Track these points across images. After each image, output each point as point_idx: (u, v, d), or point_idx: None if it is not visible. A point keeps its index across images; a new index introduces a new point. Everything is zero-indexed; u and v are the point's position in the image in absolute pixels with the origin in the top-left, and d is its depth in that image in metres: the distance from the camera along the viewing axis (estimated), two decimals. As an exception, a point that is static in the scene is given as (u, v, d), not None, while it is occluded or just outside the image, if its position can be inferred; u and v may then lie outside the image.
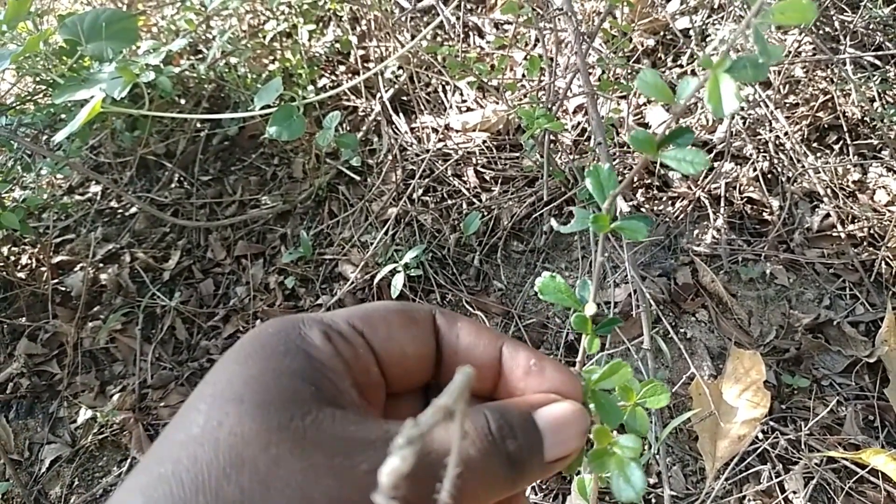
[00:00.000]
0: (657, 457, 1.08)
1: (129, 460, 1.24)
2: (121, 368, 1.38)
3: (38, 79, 1.59)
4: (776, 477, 1.08)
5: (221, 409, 0.23)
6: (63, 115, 1.59)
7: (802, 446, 1.11)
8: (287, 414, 0.23)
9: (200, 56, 1.73)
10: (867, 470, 1.05)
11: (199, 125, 1.70)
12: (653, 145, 0.29)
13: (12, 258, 1.54)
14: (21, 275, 1.50)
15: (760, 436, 1.13)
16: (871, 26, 1.69)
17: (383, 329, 0.30)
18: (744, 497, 1.07)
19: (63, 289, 1.48)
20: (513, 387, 0.31)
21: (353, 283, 1.38)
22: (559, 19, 1.37)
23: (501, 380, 0.32)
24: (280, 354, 0.26)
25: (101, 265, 1.52)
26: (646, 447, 1.14)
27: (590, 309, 0.34)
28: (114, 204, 1.65)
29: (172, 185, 1.64)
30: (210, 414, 0.23)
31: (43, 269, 1.50)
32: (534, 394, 0.31)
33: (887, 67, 1.63)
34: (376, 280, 1.35)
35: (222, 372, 0.26)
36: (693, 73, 1.72)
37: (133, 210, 1.62)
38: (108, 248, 1.54)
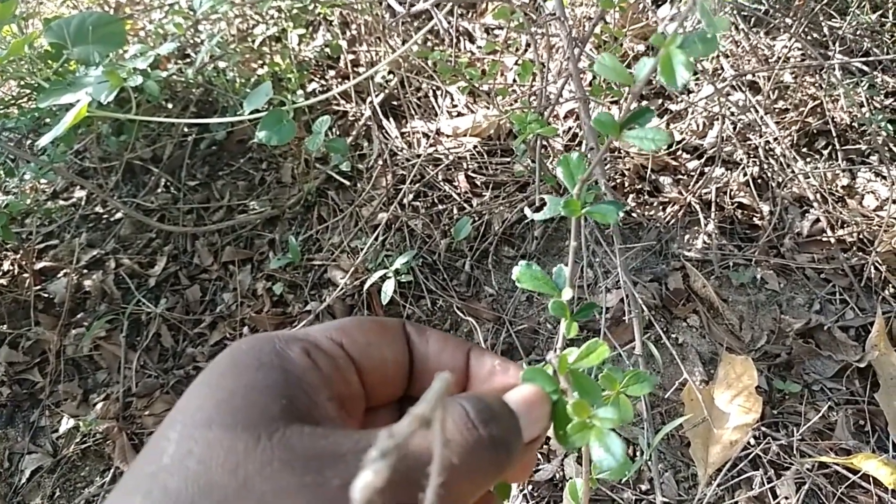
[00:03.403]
0: (649, 463, 1.07)
1: (112, 470, 1.22)
2: (104, 376, 1.35)
3: (22, 82, 1.56)
4: (768, 483, 1.07)
5: (191, 437, 0.23)
6: (48, 120, 1.57)
7: (794, 452, 1.10)
8: (255, 435, 0.23)
9: (188, 60, 1.72)
10: (859, 475, 1.04)
11: (186, 129, 1.69)
12: (616, 127, 0.30)
13: (-6, 264, 1.51)
14: (3, 281, 1.47)
15: (752, 441, 1.12)
16: (858, 32, 1.71)
17: (361, 338, 0.30)
18: (736, 503, 1.06)
19: (46, 295, 1.46)
20: (479, 390, 0.32)
21: (342, 289, 1.36)
22: (551, 24, 1.37)
23: (469, 385, 0.33)
24: (253, 370, 0.25)
25: (85, 271, 1.49)
26: (638, 453, 1.13)
27: (566, 294, 0.35)
28: (99, 209, 1.63)
29: (159, 190, 1.62)
30: (179, 442, 0.23)
31: (25, 275, 1.47)
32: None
33: (875, 73, 1.64)
34: (366, 286, 1.34)
35: (194, 396, 0.25)
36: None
37: (118, 215, 1.60)
38: (92, 253, 1.52)
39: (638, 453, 1.13)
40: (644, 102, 1.70)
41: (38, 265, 1.49)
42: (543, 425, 0.29)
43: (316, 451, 0.23)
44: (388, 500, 0.15)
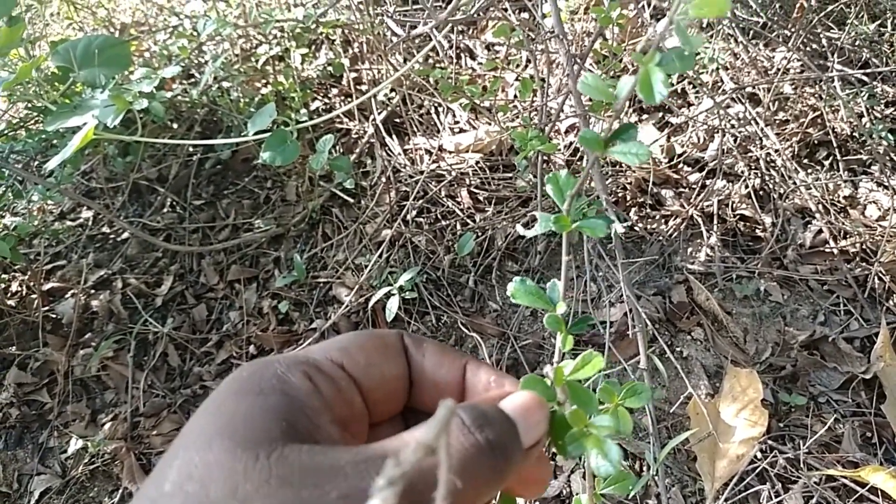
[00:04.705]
0: (656, 478, 1.07)
1: (120, 491, 1.22)
2: (112, 396, 1.36)
3: (29, 105, 1.59)
4: (776, 496, 1.07)
5: (191, 462, 0.23)
6: (55, 142, 1.58)
7: (801, 465, 1.10)
8: (253, 454, 0.23)
9: (193, 81, 1.74)
10: (867, 488, 1.04)
11: (191, 149, 1.70)
12: (600, 143, 0.32)
13: (2, 286, 1.52)
14: (11, 302, 1.48)
15: (759, 455, 1.12)
16: (857, 43, 1.72)
17: (362, 357, 0.30)
18: (744, 518, 1.06)
19: (54, 316, 1.47)
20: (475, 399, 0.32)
21: (347, 306, 1.37)
22: (550, 41, 1.39)
23: (465, 397, 0.33)
24: (254, 395, 0.26)
25: (92, 291, 1.51)
26: (644, 468, 1.13)
27: (560, 308, 0.36)
28: (106, 229, 1.64)
29: (165, 210, 1.64)
30: (180, 468, 0.23)
31: (34, 296, 1.48)
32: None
33: (874, 83, 1.65)
34: (371, 303, 1.34)
35: (196, 422, 0.25)
36: (679, 90, 1.74)
37: (125, 235, 1.61)
38: (99, 274, 1.53)
39: (644, 468, 1.13)
40: (644, 116, 1.71)
41: (46, 286, 1.51)
42: (541, 430, 0.29)
43: (314, 466, 0.23)
44: None
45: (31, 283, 1.51)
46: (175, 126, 1.69)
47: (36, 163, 1.68)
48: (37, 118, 1.63)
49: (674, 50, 0.29)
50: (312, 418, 0.26)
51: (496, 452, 0.26)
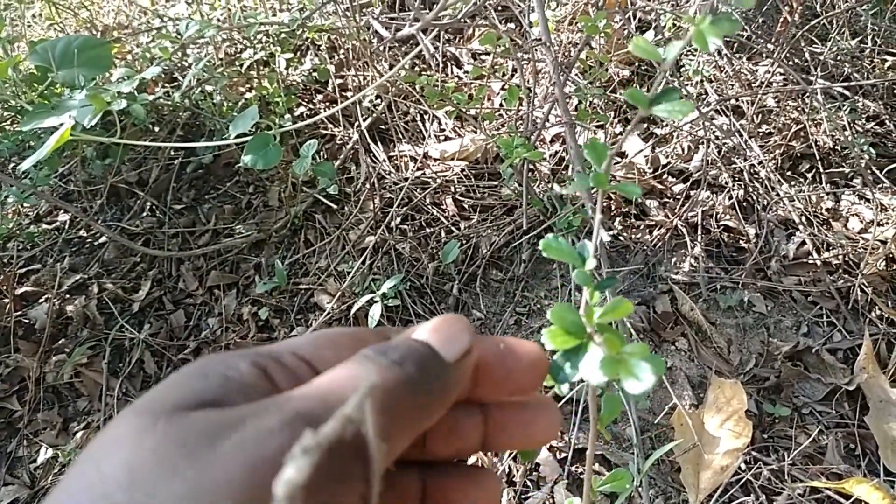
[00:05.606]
0: (640, 489, 1.06)
1: (92, 501, 1.19)
2: (85, 404, 1.33)
3: (5, 105, 1.55)
4: (760, 509, 1.06)
5: (96, 443, 0.22)
6: (31, 143, 1.55)
7: (785, 476, 1.09)
8: (153, 422, 0.21)
9: (175, 84, 1.71)
10: (851, 500, 1.04)
11: (172, 153, 1.68)
12: (645, 101, 0.34)
13: (-26, 289, 1.48)
14: (-17, 307, 1.44)
15: (743, 466, 1.11)
16: (839, 57, 1.74)
17: (331, 353, 0.28)
18: (728, 530, 1.05)
19: (26, 321, 1.43)
20: (493, 375, 0.30)
21: (329, 313, 1.35)
22: (537, 50, 1.39)
23: (478, 373, 0.30)
24: (193, 379, 0.24)
25: (67, 296, 1.47)
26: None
27: (590, 263, 0.38)
28: (82, 233, 1.61)
29: (144, 214, 1.61)
30: (87, 452, 0.22)
31: (6, 300, 1.44)
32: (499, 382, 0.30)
33: (856, 97, 1.67)
34: (353, 310, 1.32)
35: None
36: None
37: (102, 239, 1.58)
38: (75, 278, 1.49)
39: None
40: (629, 126, 1.72)
41: (19, 290, 1.47)
42: (463, 340, 0.28)
43: (215, 423, 0.21)
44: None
45: (4, 287, 1.47)
46: (156, 129, 1.67)
47: (11, 164, 1.64)
48: (13, 118, 1.60)
49: (722, 14, 0.33)
50: (252, 399, 0.24)
51: (405, 367, 0.25)
